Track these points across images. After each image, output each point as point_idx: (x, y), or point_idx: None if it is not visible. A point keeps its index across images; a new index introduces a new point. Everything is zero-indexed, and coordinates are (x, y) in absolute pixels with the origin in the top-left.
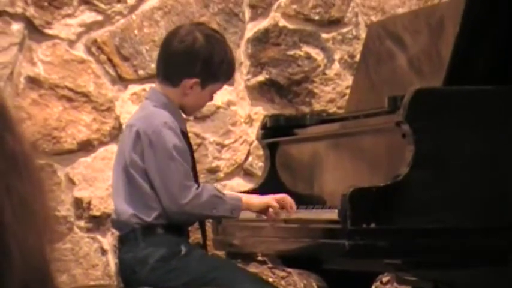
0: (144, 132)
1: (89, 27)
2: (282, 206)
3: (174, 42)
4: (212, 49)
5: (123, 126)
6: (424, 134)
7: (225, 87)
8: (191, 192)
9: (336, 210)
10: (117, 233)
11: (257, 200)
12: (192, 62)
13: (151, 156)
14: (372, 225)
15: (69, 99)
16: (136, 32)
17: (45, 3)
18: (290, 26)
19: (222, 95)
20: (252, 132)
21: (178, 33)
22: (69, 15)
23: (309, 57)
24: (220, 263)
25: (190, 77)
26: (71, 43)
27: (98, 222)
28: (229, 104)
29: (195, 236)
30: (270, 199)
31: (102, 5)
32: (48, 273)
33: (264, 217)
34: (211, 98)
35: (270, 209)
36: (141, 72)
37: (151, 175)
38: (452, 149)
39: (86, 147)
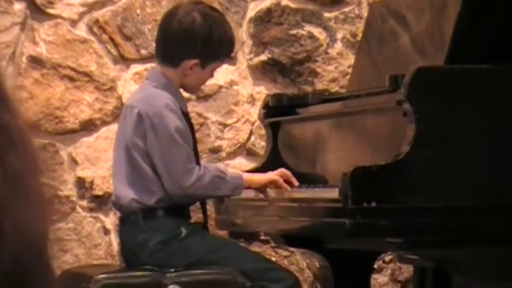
0: (146, 115)
1: (91, 6)
2: (285, 180)
3: (173, 23)
4: (211, 29)
5: (123, 107)
6: (425, 113)
7: (227, 66)
8: (194, 175)
9: (337, 189)
10: (119, 213)
11: (258, 177)
12: (191, 44)
13: (154, 139)
14: (373, 204)
15: (72, 79)
16: (138, 11)
17: None
18: (292, 5)
19: (224, 74)
20: (255, 112)
21: (176, 14)
22: None
23: (311, 36)
24: (221, 243)
25: (190, 58)
26: (73, 23)
27: (100, 202)
28: (232, 83)
29: (197, 215)
30: (272, 175)
31: None
32: (42, 247)
33: (261, 196)
34: (211, 76)
35: (268, 189)
36: (143, 51)
37: (154, 158)
38: (453, 128)
39: (89, 126)
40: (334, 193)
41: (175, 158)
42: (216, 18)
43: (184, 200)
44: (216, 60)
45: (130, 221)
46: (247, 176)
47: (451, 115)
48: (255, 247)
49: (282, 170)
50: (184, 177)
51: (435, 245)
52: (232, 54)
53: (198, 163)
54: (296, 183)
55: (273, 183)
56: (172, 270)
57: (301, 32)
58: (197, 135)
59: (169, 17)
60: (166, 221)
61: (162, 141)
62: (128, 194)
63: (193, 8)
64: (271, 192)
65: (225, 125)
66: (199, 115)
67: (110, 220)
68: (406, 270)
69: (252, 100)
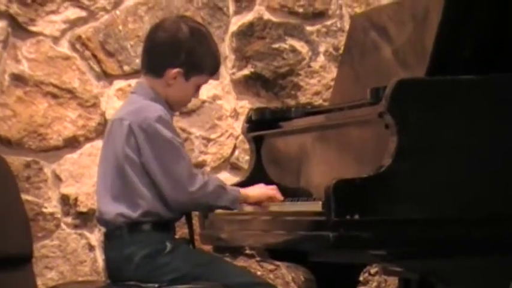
0: (139, 126)
1: (73, 23)
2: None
3: (159, 32)
4: (196, 40)
5: (109, 121)
6: (407, 125)
7: (210, 81)
8: (199, 180)
9: (321, 202)
10: (104, 229)
11: (253, 191)
12: (175, 52)
13: (150, 151)
14: (356, 217)
15: (55, 96)
16: (120, 27)
17: (29, 0)
18: (274, 19)
19: (208, 89)
20: (238, 126)
21: (162, 25)
22: (53, 12)
23: (293, 50)
24: (206, 258)
25: (174, 67)
26: (55, 40)
27: (85, 219)
28: (215, 98)
29: (182, 231)
30: (266, 189)
31: (85, 1)
32: None
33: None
34: (197, 93)
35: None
36: (126, 67)
37: (152, 169)
38: (435, 139)
39: (72, 143)
40: (317, 206)
41: (178, 164)
42: (202, 32)
43: (188, 207)
44: (200, 74)
45: (116, 236)
46: (244, 191)
47: (433, 126)
48: (241, 261)
49: (274, 186)
50: (190, 181)
51: (419, 256)
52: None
53: None
54: (281, 198)
55: (267, 198)
56: (156, 285)
57: (283, 45)
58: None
59: (155, 28)
60: (151, 235)
61: (160, 150)
62: (112, 208)
63: (181, 20)
64: (254, 208)
65: (208, 140)
66: (183, 130)
67: (95, 236)
68: (392, 283)
69: (235, 114)
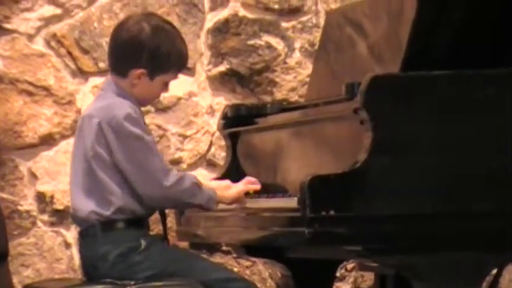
0: (108, 125)
1: (48, 20)
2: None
3: (121, 32)
4: (159, 39)
5: (79, 118)
6: (382, 120)
7: (186, 78)
8: (173, 176)
9: (296, 198)
10: (78, 227)
11: (229, 192)
12: (137, 52)
13: (121, 148)
14: (331, 213)
15: (30, 94)
16: (95, 24)
17: None
18: (250, 15)
19: (183, 86)
20: (214, 123)
21: (125, 24)
22: (27, 9)
23: (269, 46)
24: (181, 255)
25: (137, 68)
26: (30, 37)
27: (61, 216)
28: (191, 94)
29: (158, 227)
30: (241, 187)
31: None
32: None
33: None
34: (165, 89)
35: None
36: (101, 64)
37: (123, 166)
38: (410, 135)
39: (48, 141)
40: (293, 202)
41: (151, 160)
42: (166, 30)
43: (160, 203)
44: (166, 72)
45: (90, 234)
46: (220, 192)
47: (408, 122)
48: (217, 258)
49: (247, 178)
50: (164, 177)
51: (394, 252)
52: (190, 66)
53: None
54: (259, 187)
55: (242, 194)
56: (132, 283)
57: (259, 42)
58: (157, 147)
59: (118, 27)
60: (125, 233)
61: (131, 148)
62: (85, 205)
63: (144, 18)
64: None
65: (184, 137)
66: (159, 127)
67: (71, 234)
68: (369, 278)
69: (211, 111)
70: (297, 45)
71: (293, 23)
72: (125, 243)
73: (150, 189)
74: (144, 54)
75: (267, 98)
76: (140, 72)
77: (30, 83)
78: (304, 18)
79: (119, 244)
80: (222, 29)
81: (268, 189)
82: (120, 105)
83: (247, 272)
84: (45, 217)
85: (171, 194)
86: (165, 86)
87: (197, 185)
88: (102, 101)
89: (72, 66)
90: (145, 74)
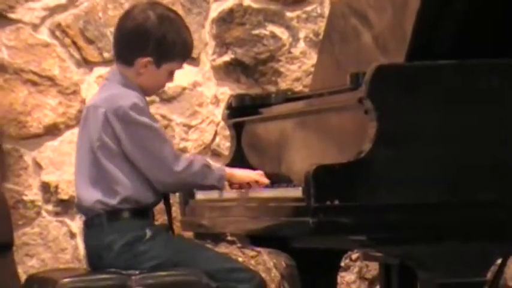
0: (114, 115)
1: (53, 10)
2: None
3: (127, 21)
4: (165, 28)
5: (84, 108)
6: (386, 110)
7: (190, 68)
8: (183, 160)
9: (300, 188)
10: (83, 217)
11: (240, 172)
12: (144, 41)
13: (130, 138)
14: (336, 202)
15: (34, 84)
16: (100, 14)
17: None
18: (254, 5)
19: (188, 76)
20: (219, 113)
21: (131, 13)
22: None
23: (274, 36)
24: (186, 245)
25: (143, 56)
26: (35, 27)
27: (66, 206)
28: (195, 84)
29: (163, 218)
30: (253, 174)
31: None
32: None
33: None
34: (171, 79)
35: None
36: (106, 54)
37: (134, 156)
38: (415, 125)
39: (53, 131)
40: (297, 192)
41: (160, 147)
42: (171, 19)
43: (173, 188)
44: (171, 61)
45: (95, 224)
46: (229, 170)
47: (412, 112)
48: (222, 248)
49: (261, 172)
50: (175, 162)
51: (399, 241)
52: (195, 56)
53: None
54: (268, 182)
55: (253, 182)
56: (137, 272)
57: (263, 32)
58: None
59: (124, 16)
60: (130, 223)
61: (139, 137)
62: (91, 195)
63: (149, 7)
64: (235, 193)
65: (189, 127)
66: (164, 117)
67: (76, 224)
68: (373, 268)
69: (216, 101)
70: (302, 35)
71: (298, 12)
72: (130, 232)
73: (162, 176)
74: (151, 42)
75: (272, 88)
76: (147, 61)
77: (35, 73)
78: (309, 8)
79: (124, 234)
80: (226, 19)
81: (273, 179)
82: (126, 95)
83: (252, 262)
84: (50, 207)
85: (183, 178)
86: (170, 75)
87: (207, 166)
88: (107, 91)
89: (77, 56)
90: (151, 62)
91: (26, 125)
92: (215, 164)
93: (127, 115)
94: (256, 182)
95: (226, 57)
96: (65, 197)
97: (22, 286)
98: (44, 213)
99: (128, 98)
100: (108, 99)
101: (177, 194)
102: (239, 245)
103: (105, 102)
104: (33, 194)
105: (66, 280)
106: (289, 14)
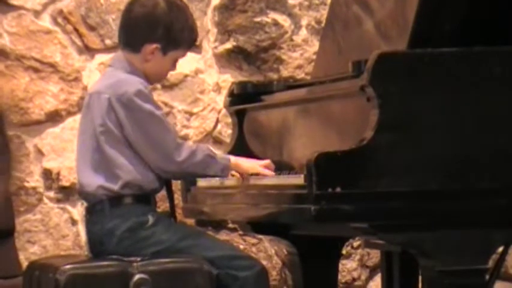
0: (118, 101)
1: None
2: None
3: (135, 7)
4: (173, 15)
5: (86, 94)
6: (388, 98)
7: (193, 55)
8: (186, 149)
9: (302, 175)
10: (85, 203)
11: (246, 163)
12: (152, 27)
13: (133, 125)
14: (338, 190)
15: (36, 70)
16: (102, 1)
17: None
18: None
19: (190, 63)
20: (221, 100)
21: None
22: None
23: (276, 23)
24: (188, 232)
25: (151, 42)
26: (37, 13)
27: (67, 193)
28: (197, 72)
29: (165, 204)
30: (257, 166)
31: None
32: None
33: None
34: (174, 67)
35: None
36: (107, 41)
37: (137, 143)
38: (417, 112)
39: (54, 117)
40: (299, 179)
41: (163, 135)
42: (179, 6)
43: (177, 176)
44: (177, 48)
45: (97, 210)
46: (235, 160)
47: (414, 99)
48: (223, 235)
49: (269, 162)
50: (176, 151)
51: (400, 229)
52: (197, 43)
53: None
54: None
55: (257, 170)
56: (138, 259)
57: (265, 19)
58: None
59: (132, 2)
60: (133, 209)
61: (143, 124)
62: (93, 180)
63: None
64: (237, 180)
65: (191, 114)
66: (165, 104)
67: (77, 211)
68: (375, 255)
69: (218, 88)
70: (304, 22)
71: (300, 0)
72: (132, 218)
73: (163, 165)
74: (160, 29)
75: (274, 76)
76: (154, 47)
77: (37, 60)
78: None
79: (127, 219)
80: (228, 6)
81: (275, 167)
82: (131, 81)
83: (253, 249)
84: (52, 194)
85: (184, 168)
86: (174, 64)
87: (210, 156)
88: (111, 77)
89: (79, 43)
90: (158, 49)
91: (27, 112)
92: (220, 154)
93: (131, 101)
94: (262, 172)
95: (228, 45)
96: (67, 183)
97: (23, 272)
98: (45, 200)
99: (133, 84)
100: (112, 86)
101: (179, 181)
102: (240, 232)
103: (109, 88)
104: (34, 180)
105: (67, 267)
106: (291, 1)
